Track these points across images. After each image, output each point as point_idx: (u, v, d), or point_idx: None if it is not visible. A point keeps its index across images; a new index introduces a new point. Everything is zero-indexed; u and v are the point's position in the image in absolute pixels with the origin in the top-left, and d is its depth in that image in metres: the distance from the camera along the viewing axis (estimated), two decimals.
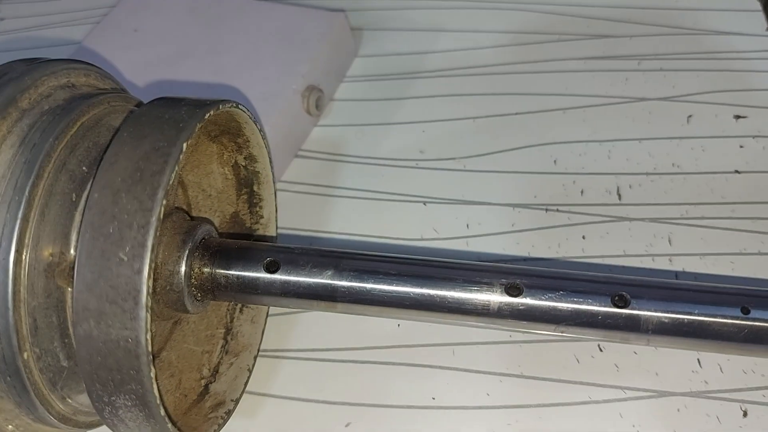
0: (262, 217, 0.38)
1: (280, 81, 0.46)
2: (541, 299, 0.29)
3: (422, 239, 0.41)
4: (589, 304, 0.29)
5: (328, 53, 0.49)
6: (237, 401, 0.35)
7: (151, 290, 0.24)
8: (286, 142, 0.46)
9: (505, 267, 0.30)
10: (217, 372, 0.36)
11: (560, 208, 0.41)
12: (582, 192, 0.42)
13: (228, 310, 0.38)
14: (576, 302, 0.29)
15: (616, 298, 0.29)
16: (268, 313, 0.39)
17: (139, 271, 0.24)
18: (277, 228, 0.39)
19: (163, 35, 0.51)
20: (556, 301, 0.29)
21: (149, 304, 0.24)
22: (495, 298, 0.29)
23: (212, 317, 0.37)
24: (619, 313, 0.28)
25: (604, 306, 0.29)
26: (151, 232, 0.24)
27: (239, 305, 0.38)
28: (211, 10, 0.51)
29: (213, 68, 0.47)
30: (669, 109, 0.44)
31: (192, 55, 0.49)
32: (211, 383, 0.36)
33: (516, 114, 0.46)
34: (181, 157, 0.26)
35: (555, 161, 0.43)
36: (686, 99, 0.45)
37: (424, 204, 0.43)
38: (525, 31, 0.50)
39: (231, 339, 0.37)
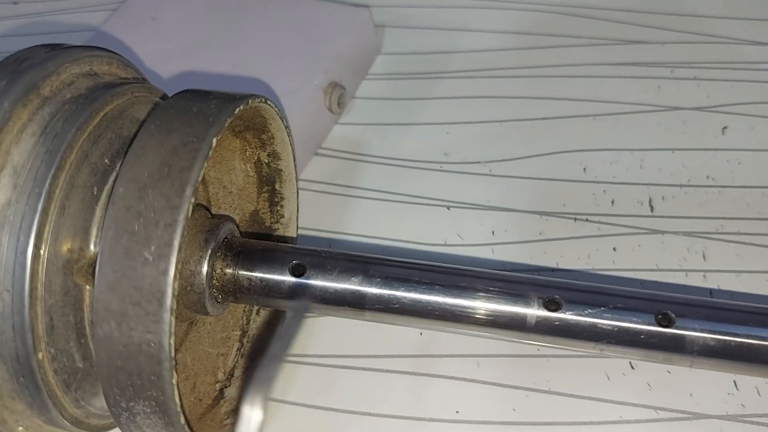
0: (282, 216, 0.37)
1: (301, 76, 0.44)
2: (580, 315, 0.27)
3: (446, 245, 0.40)
4: (631, 322, 0.27)
5: (352, 49, 0.47)
6: None
7: (176, 292, 0.23)
8: (306, 139, 0.44)
9: (543, 279, 0.28)
10: (232, 376, 0.35)
11: (590, 217, 0.40)
12: (613, 202, 0.40)
13: (244, 311, 0.36)
14: (618, 319, 0.27)
15: (660, 316, 0.27)
16: (285, 316, 0.37)
17: (165, 272, 0.23)
18: (297, 228, 0.38)
19: (182, 25, 0.49)
20: (596, 318, 0.27)
21: (174, 306, 0.23)
22: (532, 311, 0.28)
23: (228, 318, 0.36)
24: (663, 332, 0.27)
25: (648, 324, 0.27)
26: (179, 231, 0.23)
27: (256, 307, 0.36)
28: (231, 1, 0.50)
29: (232, 61, 0.46)
30: (703, 119, 0.43)
31: (211, 47, 0.47)
32: (226, 387, 0.34)
33: (544, 119, 0.45)
34: (210, 153, 0.24)
35: (584, 169, 0.42)
36: (721, 109, 0.43)
37: (448, 208, 0.42)
38: (553, 34, 0.49)
39: (247, 342, 0.36)
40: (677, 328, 0.27)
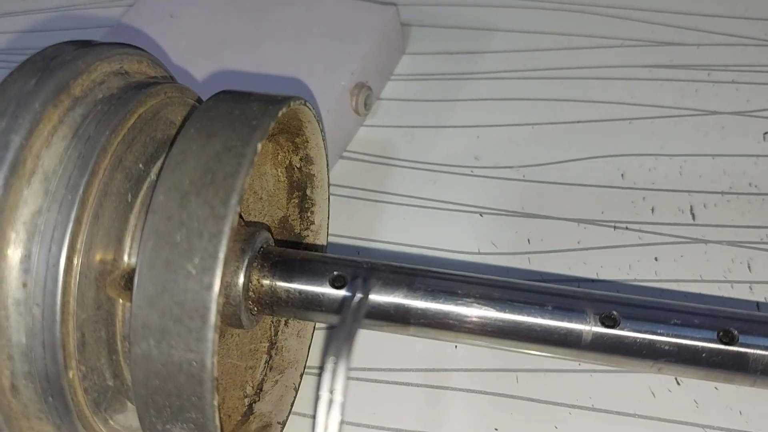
0: (312, 223, 0.35)
1: (328, 76, 0.43)
2: (639, 332, 0.26)
3: (479, 253, 0.39)
4: (692, 339, 0.26)
5: (378, 49, 0.46)
6: (284, 424, 0.32)
7: (221, 308, 0.21)
8: (332, 142, 0.43)
9: (600, 294, 0.27)
10: (261, 390, 0.33)
11: (630, 225, 0.38)
12: (653, 209, 0.39)
13: (272, 322, 0.35)
14: (678, 336, 0.26)
15: (722, 333, 0.26)
16: (315, 326, 0.36)
17: (209, 287, 0.21)
18: (327, 236, 0.36)
19: (201, 23, 0.48)
20: (655, 335, 0.26)
21: (218, 323, 0.21)
22: (588, 328, 0.26)
23: (256, 330, 0.34)
24: (726, 350, 0.26)
25: (709, 342, 0.26)
26: (224, 243, 0.22)
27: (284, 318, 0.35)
28: None
29: (254, 61, 0.44)
30: (743, 124, 0.42)
31: (231, 46, 0.46)
32: (255, 402, 0.33)
33: (578, 122, 0.43)
34: (255, 158, 0.23)
35: (622, 175, 0.40)
36: (762, 114, 0.42)
37: (480, 215, 0.40)
38: (586, 34, 0.48)
39: (275, 354, 0.34)
40: (740, 345, 0.26)
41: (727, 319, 0.26)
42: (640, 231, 0.38)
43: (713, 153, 0.41)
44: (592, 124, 0.43)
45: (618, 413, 0.32)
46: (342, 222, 0.41)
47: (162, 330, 0.22)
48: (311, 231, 0.35)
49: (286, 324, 0.35)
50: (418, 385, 0.34)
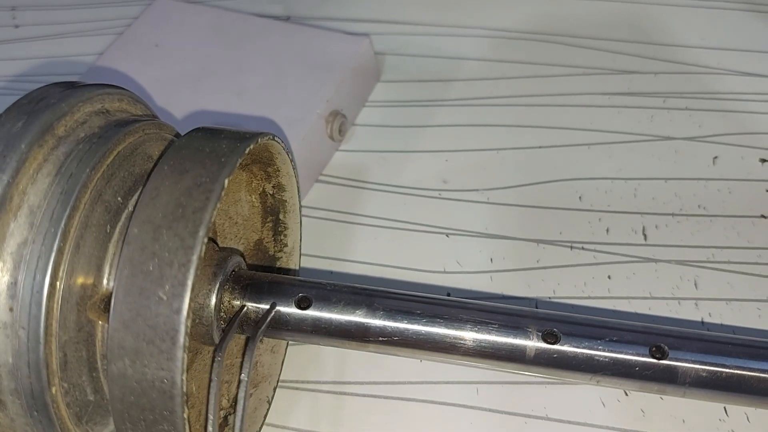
0: (286, 245, 0.38)
1: (304, 105, 0.45)
2: (578, 347, 0.28)
3: (445, 272, 0.41)
4: (626, 354, 0.28)
5: (353, 78, 0.48)
6: None
7: (189, 330, 0.24)
8: (307, 166, 0.45)
9: (542, 312, 0.29)
10: (236, 403, 0.35)
11: (585, 245, 0.41)
12: (608, 230, 0.41)
13: (248, 339, 0.37)
14: (613, 351, 0.28)
15: (654, 348, 0.28)
16: (288, 342, 0.38)
17: (179, 311, 0.24)
18: (300, 257, 0.38)
19: (185, 52, 0.50)
20: (593, 350, 0.28)
21: (187, 344, 0.24)
22: (531, 344, 0.28)
23: (232, 346, 0.36)
24: (657, 364, 0.28)
25: (642, 356, 0.28)
26: (192, 271, 0.24)
27: None
28: (234, 30, 0.51)
29: (235, 89, 0.47)
30: (695, 149, 0.44)
31: (214, 75, 0.48)
32: (230, 414, 0.35)
33: (540, 147, 0.46)
34: (222, 194, 0.25)
35: (580, 197, 0.43)
36: (712, 140, 0.45)
37: (447, 236, 0.43)
38: (549, 63, 0.50)
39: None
40: (670, 360, 0.28)
41: (659, 336, 0.29)
42: (595, 251, 0.40)
43: (666, 176, 0.43)
44: (552, 149, 0.45)
45: (570, 422, 0.35)
46: (316, 242, 0.43)
47: (136, 351, 0.24)
48: (285, 252, 0.38)
49: (261, 341, 0.37)
50: (385, 398, 0.36)
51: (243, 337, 0.37)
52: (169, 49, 0.51)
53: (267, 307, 0.30)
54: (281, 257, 0.38)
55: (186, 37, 0.51)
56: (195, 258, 0.24)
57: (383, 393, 0.36)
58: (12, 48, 0.58)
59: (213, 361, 0.28)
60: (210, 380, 0.28)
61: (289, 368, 0.38)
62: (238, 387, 0.36)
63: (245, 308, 0.30)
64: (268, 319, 0.29)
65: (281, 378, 0.37)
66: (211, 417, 0.27)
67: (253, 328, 0.30)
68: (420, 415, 0.35)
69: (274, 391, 0.37)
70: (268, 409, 0.36)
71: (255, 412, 0.35)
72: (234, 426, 0.28)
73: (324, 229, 0.44)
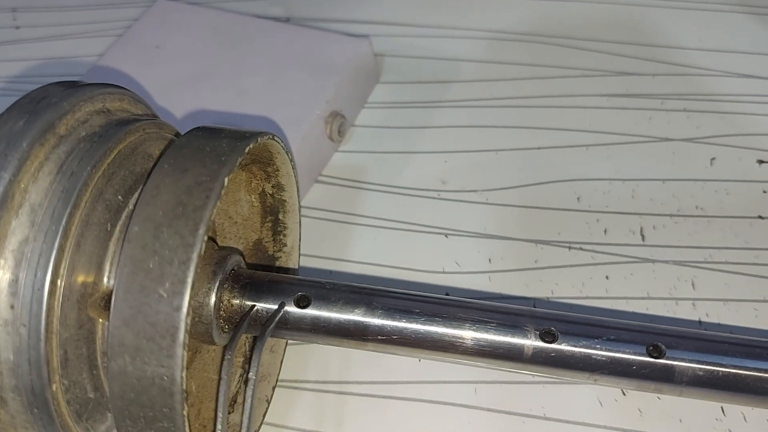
0: (285, 245, 0.38)
1: (304, 106, 0.46)
2: (575, 346, 0.28)
3: (444, 272, 0.41)
4: (624, 353, 0.28)
5: (352, 79, 0.48)
6: None
7: (189, 327, 0.24)
8: (307, 167, 0.46)
9: (540, 311, 0.29)
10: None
11: (583, 246, 0.41)
12: (605, 231, 0.41)
13: (247, 338, 0.37)
14: (611, 350, 0.28)
15: (651, 347, 0.28)
16: (287, 342, 0.38)
17: (179, 309, 0.24)
18: (299, 256, 0.39)
19: (186, 54, 0.50)
20: (590, 349, 0.28)
21: (187, 341, 0.24)
22: (529, 343, 0.29)
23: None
24: (653, 363, 0.28)
25: (639, 355, 0.28)
26: (192, 269, 0.24)
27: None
28: (234, 31, 0.51)
29: (235, 90, 0.47)
30: (693, 150, 0.45)
31: (214, 76, 0.48)
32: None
33: (539, 148, 0.46)
34: (222, 192, 0.25)
35: (578, 198, 0.43)
36: (710, 141, 0.45)
37: (446, 236, 0.43)
38: (548, 65, 0.50)
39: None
40: (667, 359, 0.28)
41: (656, 335, 0.29)
42: (593, 251, 0.41)
43: (664, 177, 0.43)
44: (551, 151, 0.46)
45: (568, 422, 0.35)
46: (315, 242, 0.43)
47: (136, 348, 0.24)
48: (284, 252, 0.38)
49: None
50: (384, 397, 0.37)
51: (243, 337, 0.37)
52: (169, 50, 0.51)
53: (275, 307, 0.30)
54: (280, 257, 0.38)
55: (186, 39, 0.51)
56: (195, 256, 0.24)
57: (382, 392, 0.37)
58: (13, 49, 0.58)
59: (222, 360, 0.29)
60: (219, 378, 0.28)
61: (287, 367, 0.38)
62: (236, 386, 0.36)
63: (254, 308, 0.30)
64: (277, 318, 0.29)
65: (280, 377, 0.37)
66: (220, 415, 0.28)
67: (259, 327, 0.30)
68: (418, 415, 0.36)
69: (273, 391, 0.37)
70: (267, 409, 0.36)
71: (254, 411, 0.36)
72: (242, 425, 0.28)
73: (323, 229, 0.44)
